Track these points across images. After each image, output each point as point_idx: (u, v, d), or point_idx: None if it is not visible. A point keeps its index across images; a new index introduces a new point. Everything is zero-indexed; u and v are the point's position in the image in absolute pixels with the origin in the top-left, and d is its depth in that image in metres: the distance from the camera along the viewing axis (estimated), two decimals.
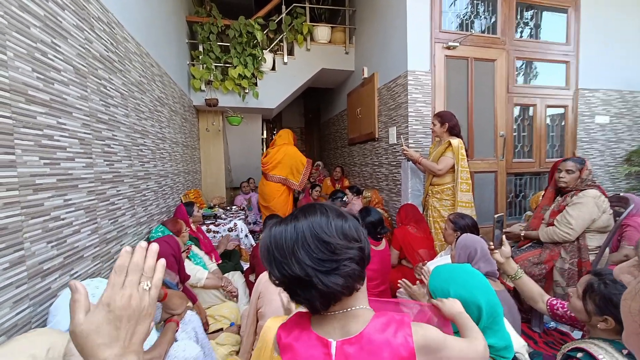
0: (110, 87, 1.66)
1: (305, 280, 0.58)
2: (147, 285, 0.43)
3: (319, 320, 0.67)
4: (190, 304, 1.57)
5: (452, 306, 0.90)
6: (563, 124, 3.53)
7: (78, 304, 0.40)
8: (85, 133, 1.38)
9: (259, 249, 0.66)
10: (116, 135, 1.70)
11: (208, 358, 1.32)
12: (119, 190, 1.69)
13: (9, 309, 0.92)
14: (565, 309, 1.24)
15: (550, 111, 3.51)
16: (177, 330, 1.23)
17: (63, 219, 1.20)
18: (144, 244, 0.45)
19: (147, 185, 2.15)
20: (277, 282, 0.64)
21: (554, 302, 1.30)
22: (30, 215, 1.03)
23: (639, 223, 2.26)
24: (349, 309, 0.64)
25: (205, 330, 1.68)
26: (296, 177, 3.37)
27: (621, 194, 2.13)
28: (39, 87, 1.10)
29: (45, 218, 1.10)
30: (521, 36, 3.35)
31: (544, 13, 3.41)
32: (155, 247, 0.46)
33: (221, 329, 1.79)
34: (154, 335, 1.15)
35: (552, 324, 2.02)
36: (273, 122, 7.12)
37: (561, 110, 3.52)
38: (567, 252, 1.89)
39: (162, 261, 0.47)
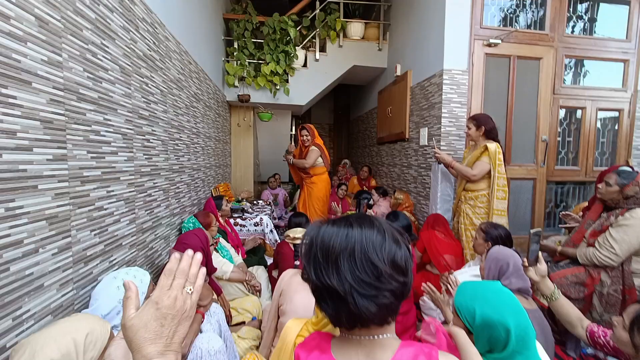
0: (152, 85, 1.75)
1: (339, 294, 0.55)
2: (190, 289, 0.49)
3: (342, 344, 0.63)
4: (215, 296, 1.63)
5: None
6: (616, 128, 3.22)
7: (130, 301, 0.46)
8: (127, 128, 1.47)
9: (305, 234, 0.64)
10: (155, 131, 1.79)
11: (230, 351, 1.38)
12: (156, 183, 1.79)
13: (56, 291, 1.01)
14: (607, 338, 1.14)
15: (602, 114, 3.21)
16: (202, 322, 1.29)
17: (106, 209, 1.29)
18: (190, 252, 0.51)
19: (181, 178, 2.26)
20: (307, 280, 0.61)
21: (595, 329, 1.20)
22: (77, 205, 1.12)
23: None
24: (375, 337, 0.60)
25: (228, 322, 1.75)
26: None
27: None
28: (88, 86, 1.19)
29: (90, 208, 1.19)
30: (573, 32, 3.08)
31: (602, 5, 3.10)
32: (198, 256, 0.51)
33: (243, 322, 1.85)
34: None
35: (590, 350, 1.87)
36: (302, 118, 7.16)
37: (615, 114, 3.21)
38: (609, 276, 1.73)
39: (204, 270, 0.52)
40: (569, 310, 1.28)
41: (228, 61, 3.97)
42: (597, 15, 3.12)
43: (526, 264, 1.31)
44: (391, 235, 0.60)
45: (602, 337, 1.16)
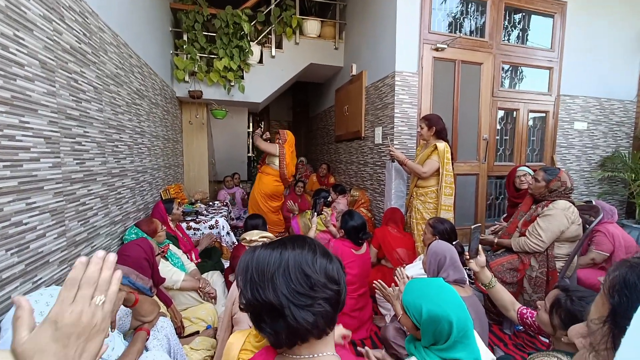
0: (82, 81, 1.57)
1: (277, 309, 0.58)
2: (101, 300, 0.42)
3: None
4: (163, 309, 1.53)
5: None
6: (544, 128, 3.62)
7: (20, 321, 0.38)
8: (52, 131, 1.31)
9: (238, 262, 0.66)
10: (88, 132, 1.61)
11: None
12: (91, 190, 1.62)
13: None
14: (533, 319, 1.28)
15: (532, 116, 3.58)
16: (147, 339, 1.20)
17: (25, 224, 1.14)
18: (101, 253, 0.43)
19: (123, 183, 2.07)
20: (245, 304, 0.62)
21: (524, 311, 1.34)
22: None
23: (608, 229, 2.37)
24: (315, 355, 0.62)
25: (181, 333, 1.66)
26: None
27: (593, 202, 2.20)
28: None
29: (5, 224, 1.04)
30: (509, 39, 3.38)
31: (532, 17, 3.44)
32: (112, 257, 0.44)
33: (197, 332, 1.77)
34: (122, 346, 1.12)
35: (521, 327, 2.09)
36: (260, 115, 6.99)
37: (542, 115, 3.60)
38: (537, 261, 1.95)
39: (119, 273, 0.45)
40: (504, 296, 1.42)
41: (177, 54, 3.72)
42: (528, 26, 3.45)
43: (468, 256, 1.42)
44: (321, 251, 0.65)
45: (529, 318, 1.31)
